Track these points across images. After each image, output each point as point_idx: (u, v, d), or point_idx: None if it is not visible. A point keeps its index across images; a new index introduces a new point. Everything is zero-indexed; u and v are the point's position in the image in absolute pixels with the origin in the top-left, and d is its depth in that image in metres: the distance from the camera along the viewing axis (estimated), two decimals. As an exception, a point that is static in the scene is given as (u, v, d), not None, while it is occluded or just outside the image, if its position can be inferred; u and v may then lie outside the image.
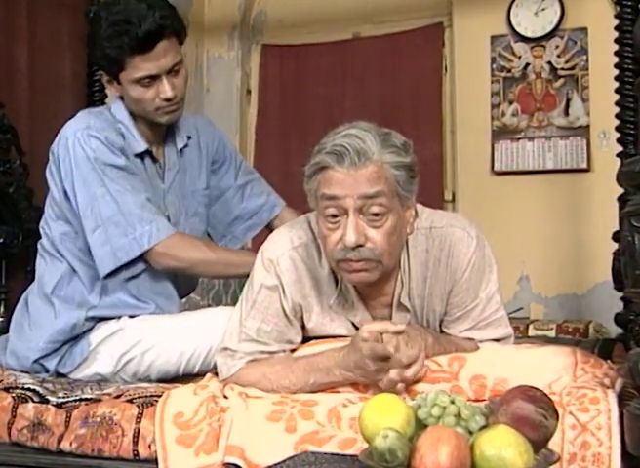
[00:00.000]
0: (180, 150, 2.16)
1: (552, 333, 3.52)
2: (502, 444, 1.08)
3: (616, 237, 2.80)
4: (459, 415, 1.16)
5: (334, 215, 1.59)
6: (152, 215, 1.97)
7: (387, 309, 1.77)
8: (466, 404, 1.18)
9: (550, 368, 1.60)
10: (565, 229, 3.98)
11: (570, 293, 3.99)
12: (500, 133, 4.13)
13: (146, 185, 2.05)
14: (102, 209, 1.95)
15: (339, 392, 1.65)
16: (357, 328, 1.76)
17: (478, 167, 4.12)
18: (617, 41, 2.83)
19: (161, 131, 2.11)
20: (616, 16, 2.86)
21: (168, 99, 1.99)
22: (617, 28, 2.84)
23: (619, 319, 2.78)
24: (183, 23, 2.03)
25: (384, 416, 1.18)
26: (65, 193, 2.02)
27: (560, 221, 3.99)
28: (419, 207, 1.72)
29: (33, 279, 3.01)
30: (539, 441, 1.14)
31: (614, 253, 2.80)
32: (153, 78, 1.97)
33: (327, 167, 1.58)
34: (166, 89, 1.97)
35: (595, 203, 3.87)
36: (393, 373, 1.56)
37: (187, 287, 2.24)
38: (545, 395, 1.22)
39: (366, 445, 1.43)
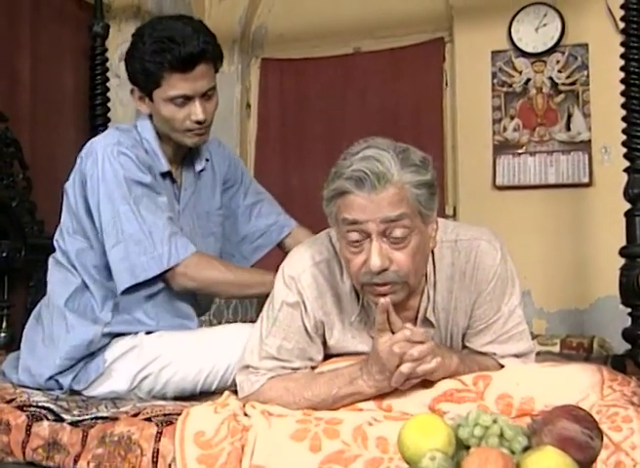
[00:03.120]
0: (199, 172, 2.18)
1: (556, 349, 3.50)
2: (551, 465, 1.05)
3: (623, 252, 2.80)
4: (501, 435, 1.14)
5: (356, 240, 1.57)
6: (173, 235, 1.96)
7: (411, 324, 1.74)
8: (509, 423, 1.16)
9: (577, 386, 1.58)
10: (566, 244, 3.98)
11: (572, 308, 3.98)
12: (502, 147, 4.12)
13: (170, 205, 2.05)
14: (125, 225, 1.95)
15: (362, 410, 1.63)
16: None
17: (479, 182, 4.11)
18: (622, 56, 2.85)
19: (182, 152, 2.12)
20: (622, 31, 2.87)
21: (198, 122, 2.00)
22: (622, 44, 2.85)
23: (626, 334, 2.76)
24: (222, 52, 2.05)
25: (426, 437, 1.15)
26: (88, 208, 2.00)
27: (561, 236, 3.98)
28: (442, 220, 1.71)
29: (36, 294, 3.00)
30: (585, 462, 1.12)
31: (621, 269, 2.79)
32: (187, 99, 1.98)
33: (347, 192, 1.55)
34: (198, 111, 1.98)
35: (597, 217, 3.88)
36: (404, 367, 1.54)
37: (206, 306, 2.23)
38: (589, 415, 1.20)
39: (394, 464, 1.42)
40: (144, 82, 1.99)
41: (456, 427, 1.18)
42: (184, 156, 2.14)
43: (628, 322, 2.75)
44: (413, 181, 1.55)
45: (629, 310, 2.74)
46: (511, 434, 1.14)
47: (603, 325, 3.79)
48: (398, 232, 1.55)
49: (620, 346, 3.10)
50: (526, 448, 1.15)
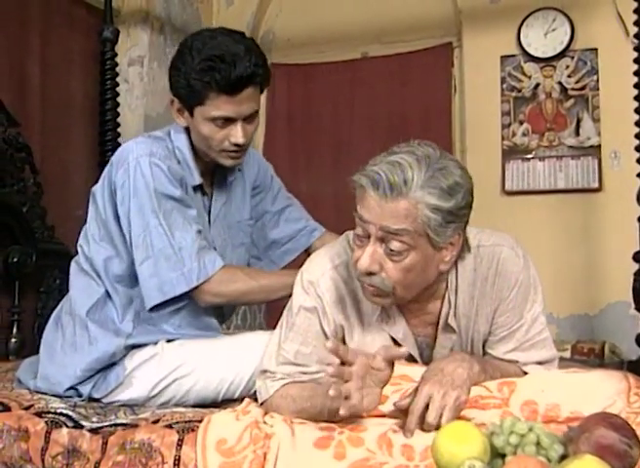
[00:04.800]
0: (230, 182, 2.14)
1: (567, 354, 3.50)
2: (590, 474, 1.04)
3: (636, 257, 2.79)
4: (538, 443, 1.13)
5: (361, 235, 1.57)
6: (201, 251, 1.93)
7: (431, 328, 1.74)
8: (545, 431, 1.14)
9: (603, 392, 1.56)
10: (576, 249, 3.97)
11: (582, 314, 3.97)
12: (511, 152, 4.11)
13: (200, 217, 2.02)
14: (155, 240, 1.91)
15: (385, 416, 1.61)
16: (399, 344, 1.73)
17: (489, 187, 4.10)
18: (635, 61, 2.85)
19: (214, 165, 2.06)
20: (635, 36, 2.87)
21: (237, 145, 1.94)
22: (636, 49, 2.85)
23: (640, 340, 2.76)
24: (270, 74, 1.99)
25: (461, 445, 1.14)
26: (117, 215, 1.97)
27: (571, 241, 3.97)
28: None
29: (46, 299, 2.99)
30: (623, 471, 1.11)
31: (635, 274, 2.78)
32: (228, 120, 1.92)
33: (363, 187, 1.54)
34: (239, 134, 1.92)
35: (606, 223, 3.87)
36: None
37: (229, 314, 2.22)
38: (627, 423, 1.18)
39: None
40: (187, 97, 1.93)
41: (489, 435, 1.16)
42: (216, 167, 2.09)
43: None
44: (429, 204, 1.50)
45: (644, 315, 2.74)
46: (548, 442, 1.13)
47: (613, 330, 3.79)
48: (395, 245, 1.53)
49: (630, 352, 3.09)
50: (562, 457, 1.14)
